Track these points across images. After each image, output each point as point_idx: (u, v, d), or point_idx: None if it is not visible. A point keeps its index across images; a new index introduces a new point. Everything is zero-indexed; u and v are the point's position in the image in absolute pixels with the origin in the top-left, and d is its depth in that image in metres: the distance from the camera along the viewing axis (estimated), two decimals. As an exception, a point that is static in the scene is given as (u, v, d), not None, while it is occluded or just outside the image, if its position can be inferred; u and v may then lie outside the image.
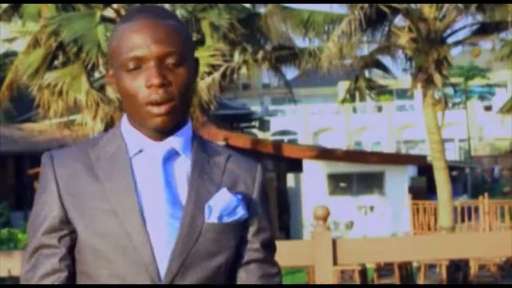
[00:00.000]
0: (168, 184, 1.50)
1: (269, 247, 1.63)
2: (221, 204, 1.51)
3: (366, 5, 12.71)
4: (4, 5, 13.33)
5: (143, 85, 1.49)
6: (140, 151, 1.53)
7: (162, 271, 1.47)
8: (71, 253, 1.52)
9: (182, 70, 1.51)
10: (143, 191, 1.50)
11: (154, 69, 1.48)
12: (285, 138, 39.92)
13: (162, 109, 1.49)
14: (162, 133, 1.53)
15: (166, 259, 1.47)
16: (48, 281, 1.50)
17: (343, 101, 16.42)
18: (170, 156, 1.53)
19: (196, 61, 1.59)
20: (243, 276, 1.57)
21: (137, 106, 1.50)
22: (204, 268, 1.50)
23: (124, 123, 1.57)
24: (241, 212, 1.53)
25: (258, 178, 1.60)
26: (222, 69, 13.31)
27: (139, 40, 1.49)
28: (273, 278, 1.63)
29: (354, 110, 40.64)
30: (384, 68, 15.66)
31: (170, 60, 1.50)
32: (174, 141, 1.54)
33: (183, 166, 1.54)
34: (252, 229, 1.58)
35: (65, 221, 1.51)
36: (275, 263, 1.67)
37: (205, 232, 1.50)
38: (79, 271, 1.52)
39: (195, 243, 1.49)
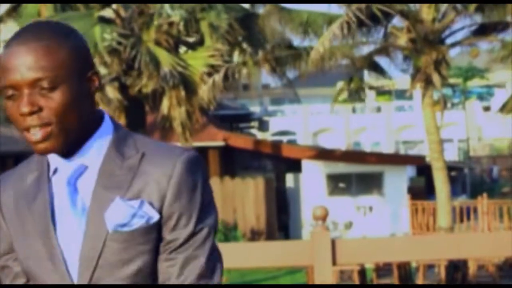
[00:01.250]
0: (73, 203, 1.50)
1: (185, 244, 1.51)
2: (117, 213, 1.47)
3: (362, 6, 12.72)
4: (5, 7, 13.34)
5: (18, 113, 1.47)
6: (55, 170, 1.53)
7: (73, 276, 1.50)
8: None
9: (56, 93, 1.46)
10: (58, 212, 1.52)
11: (24, 97, 1.46)
12: (284, 138, 39.92)
13: (38, 135, 1.46)
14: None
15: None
16: None
17: (335, 102, 16.43)
18: (81, 172, 1.51)
19: (94, 74, 1.52)
20: (161, 268, 1.51)
21: (21, 131, 1.49)
22: (118, 278, 1.49)
23: None
24: (145, 217, 1.47)
25: (176, 174, 1.49)
26: (222, 71, 13.33)
27: (11, 66, 1.47)
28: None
29: (353, 110, 40.65)
30: (382, 69, 15.67)
31: (43, 83, 1.46)
32: (83, 156, 1.51)
33: (92, 179, 1.52)
34: (169, 228, 1.50)
35: (12, 244, 1.57)
36: (196, 256, 1.52)
37: (109, 243, 1.47)
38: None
39: (99, 255, 1.48)
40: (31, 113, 1.44)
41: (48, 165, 1.54)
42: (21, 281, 1.58)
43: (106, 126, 1.54)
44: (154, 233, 1.49)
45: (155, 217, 1.48)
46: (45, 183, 1.53)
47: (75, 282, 1.50)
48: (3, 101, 1.50)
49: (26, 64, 1.46)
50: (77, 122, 1.49)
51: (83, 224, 1.49)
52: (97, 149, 1.51)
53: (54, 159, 1.52)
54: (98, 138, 1.52)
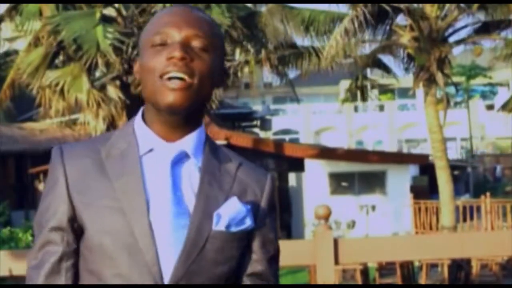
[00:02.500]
0: (175, 187, 1.47)
1: (273, 261, 1.61)
2: (230, 213, 1.48)
3: (368, 4, 12.70)
4: (6, 5, 13.33)
5: (164, 59, 1.46)
6: (151, 150, 1.50)
7: (166, 274, 1.44)
8: (76, 251, 1.50)
9: (207, 56, 1.49)
10: (151, 192, 1.47)
11: (178, 45, 1.46)
12: (287, 137, 39.93)
13: (178, 83, 1.45)
14: (174, 128, 1.50)
15: (170, 263, 1.45)
16: (52, 281, 1.49)
17: (344, 101, 16.40)
18: (180, 159, 1.50)
19: (224, 71, 1.58)
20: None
21: (152, 80, 1.46)
22: (208, 276, 1.47)
23: (138, 119, 1.54)
24: (248, 222, 1.50)
25: (267, 189, 1.57)
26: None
27: (169, 19, 1.50)
28: None
29: (356, 109, 40.64)
30: (386, 67, 15.64)
31: (196, 44, 1.48)
32: (186, 144, 1.51)
33: (192, 170, 1.50)
34: (258, 241, 1.55)
35: (73, 218, 1.48)
36: (276, 276, 1.68)
37: (211, 239, 1.46)
38: (83, 269, 1.49)
39: (201, 249, 1.46)
40: (182, 59, 1.45)
41: (137, 144, 1.51)
42: (67, 264, 1.49)
43: (202, 127, 1.56)
44: (245, 240, 1.52)
45: (252, 224, 1.51)
46: (135, 162, 1.48)
47: (164, 267, 1.44)
48: (146, 51, 1.49)
49: (187, 21, 1.49)
50: (207, 94, 1.52)
51: (178, 212, 1.46)
52: (197, 143, 1.52)
53: (151, 140, 1.50)
54: (199, 134, 1.53)
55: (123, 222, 1.44)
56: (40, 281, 1.49)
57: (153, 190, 1.47)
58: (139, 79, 1.53)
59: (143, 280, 1.43)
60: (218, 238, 1.47)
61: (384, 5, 12.87)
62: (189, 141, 1.51)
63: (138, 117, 1.54)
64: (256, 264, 1.56)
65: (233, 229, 1.48)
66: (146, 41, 1.51)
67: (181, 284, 1.44)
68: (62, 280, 1.49)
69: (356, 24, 12.59)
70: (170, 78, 1.45)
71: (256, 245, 1.55)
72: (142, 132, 1.52)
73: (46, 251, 1.49)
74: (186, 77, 1.45)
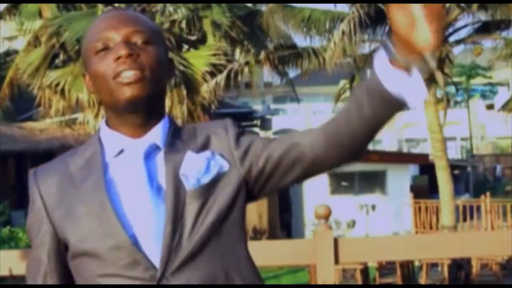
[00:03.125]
0: (151, 177, 1.50)
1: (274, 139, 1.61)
2: (193, 168, 1.51)
3: (364, 4, 12.69)
4: (5, 4, 13.32)
5: (112, 61, 1.50)
6: (121, 151, 1.54)
7: (156, 255, 1.46)
8: (62, 265, 1.56)
9: (152, 47, 1.53)
10: (125, 189, 1.50)
11: (121, 44, 1.50)
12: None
13: (131, 77, 1.48)
14: (139, 126, 1.53)
15: (157, 242, 1.47)
16: None
17: (337, 100, 16.40)
18: (152, 151, 1.53)
19: (170, 61, 1.61)
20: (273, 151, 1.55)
21: (107, 84, 1.51)
22: (197, 232, 1.48)
23: (103, 126, 1.59)
24: (216, 167, 1.52)
25: (229, 125, 1.59)
26: (225, 72, 13.30)
27: (106, 24, 1.54)
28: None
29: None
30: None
31: (138, 39, 1.52)
32: (153, 136, 1.55)
33: (169, 160, 1.54)
34: (257, 148, 1.55)
35: (55, 234, 1.54)
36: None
37: (190, 200, 1.49)
38: (79, 277, 1.54)
39: (182, 215, 1.48)
40: (129, 55, 1.49)
41: (102, 150, 1.55)
42: (51, 281, 1.56)
43: (167, 117, 1.59)
44: (230, 181, 1.53)
45: (225, 166, 1.53)
46: (98, 165, 1.52)
47: (151, 250, 1.46)
48: (91, 60, 1.53)
49: (124, 21, 1.54)
50: (162, 85, 1.55)
51: (157, 199, 1.48)
52: (164, 132, 1.56)
53: (120, 141, 1.54)
54: (164, 124, 1.57)
55: (97, 223, 1.48)
56: None
57: (129, 188, 1.50)
58: (92, 91, 1.57)
59: (137, 273, 1.46)
60: (197, 196, 1.49)
61: (382, 5, 12.86)
62: (156, 133, 1.55)
63: (103, 126, 1.59)
64: (269, 149, 1.55)
65: (205, 180, 1.50)
66: (88, 51, 1.55)
67: (173, 254, 1.46)
68: None
69: (353, 26, 12.59)
70: (122, 75, 1.49)
71: (260, 149, 1.55)
72: (109, 137, 1.56)
73: (35, 268, 1.57)
74: (138, 72, 1.49)
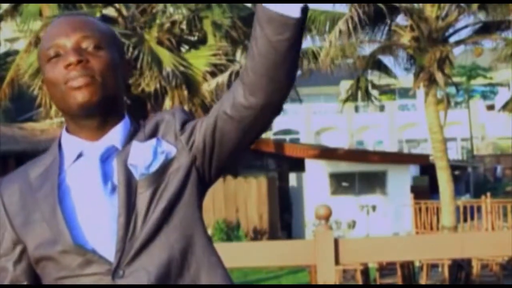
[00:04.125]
0: (106, 178, 1.52)
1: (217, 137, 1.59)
2: (140, 157, 1.53)
3: (366, 4, 12.68)
4: (6, 5, 13.33)
5: (63, 68, 1.52)
6: (80, 155, 1.56)
7: (112, 250, 1.48)
8: (27, 272, 1.57)
9: (102, 52, 1.55)
10: (80, 194, 1.52)
11: (71, 51, 1.53)
12: (287, 137, 39.91)
13: (81, 81, 1.50)
14: (96, 130, 1.55)
15: (113, 238, 1.49)
16: None
17: (344, 101, 16.39)
18: (111, 154, 1.55)
19: (128, 63, 1.65)
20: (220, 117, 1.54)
21: (59, 90, 1.53)
22: (150, 219, 1.50)
23: (63, 132, 1.61)
24: (163, 153, 1.53)
25: (177, 111, 1.61)
26: (227, 73, 13.30)
27: (57, 31, 1.56)
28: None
29: (356, 109, 40.62)
30: (386, 68, 15.64)
31: (87, 44, 1.54)
32: (112, 138, 1.56)
33: (122, 158, 1.55)
34: (198, 126, 1.56)
35: (17, 242, 1.56)
36: None
37: (142, 190, 1.50)
38: (45, 281, 1.56)
39: (134, 204, 1.50)
40: (79, 62, 1.51)
41: (61, 157, 1.57)
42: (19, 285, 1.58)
43: (127, 118, 1.60)
44: (181, 165, 1.53)
45: (173, 151, 1.54)
46: (55, 172, 1.55)
47: (106, 248, 1.48)
48: (45, 67, 1.56)
49: (74, 27, 1.56)
50: (115, 88, 1.56)
51: (114, 196, 1.50)
52: (124, 133, 1.57)
53: (80, 144, 1.56)
54: (124, 126, 1.58)
55: (49, 229, 1.51)
56: None
57: (85, 189, 1.52)
58: (50, 97, 1.60)
59: (92, 270, 1.48)
60: (148, 184, 1.51)
61: (382, 5, 12.86)
62: (115, 135, 1.56)
63: (63, 132, 1.61)
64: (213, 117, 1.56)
65: (154, 167, 1.52)
66: (42, 58, 1.58)
67: (128, 242, 1.47)
68: None
69: (351, 25, 12.57)
70: (72, 80, 1.51)
71: (198, 129, 1.56)
72: (69, 142, 1.58)
73: (2, 277, 1.59)
74: (87, 77, 1.51)
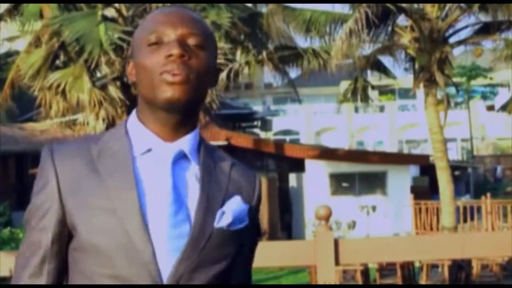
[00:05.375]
0: (175, 186, 1.47)
1: (254, 251, 1.67)
2: (234, 211, 1.50)
3: (371, 4, 12.67)
4: (6, 5, 13.32)
5: (162, 57, 1.47)
6: (149, 150, 1.50)
7: (164, 272, 1.43)
8: (61, 252, 1.49)
9: (204, 53, 1.50)
10: (148, 191, 1.46)
11: (175, 42, 1.47)
12: (287, 137, 39.92)
13: (177, 78, 1.45)
14: (172, 129, 1.50)
15: (168, 261, 1.43)
16: (34, 281, 1.49)
17: (341, 101, 16.39)
18: (179, 159, 1.50)
19: (217, 71, 1.60)
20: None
21: (151, 78, 1.47)
22: (208, 274, 1.47)
23: (132, 119, 1.54)
24: (247, 220, 1.53)
25: (257, 188, 1.60)
26: (226, 71, 13.30)
27: (164, 19, 1.51)
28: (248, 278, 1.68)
29: (356, 109, 40.63)
30: (385, 70, 15.64)
31: (193, 41, 1.49)
32: (183, 144, 1.51)
33: (191, 170, 1.51)
34: (248, 236, 1.56)
35: (63, 220, 1.47)
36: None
37: (213, 237, 1.46)
38: (76, 270, 1.48)
39: (203, 247, 1.45)
40: (181, 56, 1.46)
41: (130, 144, 1.50)
42: (49, 266, 1.48)
43: (197, 129, 1.56)
44: (241, 237, 1.53)
45: (248, 222, 1.54)
46: (128, 161, 1.48)
47: (162, 266, 1.43)
48: (142, 51, 1.50)
49: (182, 19, 1.51)
50: (204, 93, 1.53)
51: (177, 210, 1.45)
52: (194, 143, 1.53)
53: (149, 139, 1.50)
54: (195, 135, 1.54)
55: (116, 221, 1.43)
56: (23, 281, 1.50)
57: (151, 190, 1.46)
58: (133, 80, 1.53)
59: (141, 280, 1.42)
60: (219, 236, 1.47)
61: (387, 4, 12.84)
62: (187, 142, 1.51)
63: (132, 118, 1.54)
64: (243, 256, 1.59)
65: (234, 227, 1.49)
66: (141, 41, 1.51)
67: (181, 284, 1.43)
68: (43, 281, 1.49)
69: (359, 25, 12.55)
70: (169, 73, 1.46)
71: (246, 240, 1.57)
72: (138, 132, 1.51)
73: (32, 252, 1.49)
74: (185, 74, 1.46)
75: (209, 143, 1.60)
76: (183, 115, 1.49)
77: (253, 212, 1.56)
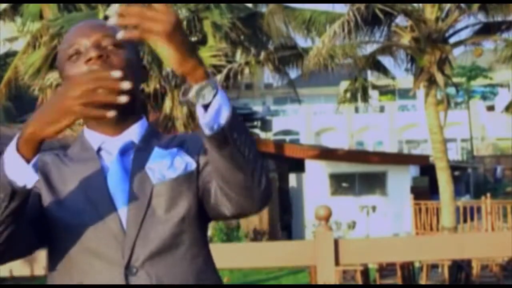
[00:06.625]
0: (125, 171, 1.56)
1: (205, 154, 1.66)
2: (159, 161, 1.56)
3: (362, 5, 12.67)
4: (5, 5, 13.32)
5: (83, 65, 1.56)
6: (100, 149, 1.60)
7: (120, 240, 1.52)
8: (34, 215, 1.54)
9: (122, 51, 1.59)
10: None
11: (91, 47, 1.57)
12: (287, 138, 39.91)
13: None
14: (114, 126, 1.59)
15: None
16: None
17: (340, 102, 16.40)
18: (128, 149, 1.60)
19: (144, 68, 1.69)
20: (213, 182, 1.56)
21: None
22: (164, 225, 1.53)
23: (85, 129, 1.66)
24: (182, 163, 1.57)
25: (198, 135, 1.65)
26: (225, 71, 13.30)
27: (77, 32, 1.61)
28: None
29: (356, 110, 40.64)
30: (385, 70, 15.64)
31: (107, 42, 1.58)
32: (131, 134, 1.61)
33: (140, 156, 1.60)
34: (206, 173, 1.59)
35: (39, 195, 1.56)
36: None
37: (156, 193, 1.54)
38: (52, 248, 1.57)
39: (148, 206, 1.53)
40: (99, 57, 1.55)
41: (89, 143, 1.63)
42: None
43: (145, 119, 1.67)
44: (194, 182, 1.57)
45: (193, 164, 1.58)
46: (93, 151, 1.60)
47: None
48: (65, 65, 1.59)
49: (92, 27, 1.61)
50: (133, 85, 1.54)
51: (127, 189, 1.54)
52: (141, 132, 1.63)
53: (100, 138, 1.60)
54: (141, 125, 1.64)
55: (83, 199, 1.54)
56: None
57: (105, 180, 1.57)
58: None
59: (112, 251, 1.51)
60: (163, 190, 1.54)
61: (381, 5, 12.85)
62: (133, 132, 1.62)
63: (84, 127, 1.67)
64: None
65: (170, 175, 1.55)
66: (62, 57, 1.62)
67: (138, 243, 1.50)
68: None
69: (346, 29, 12.57)
70: None
71: (205, 178, 1.59)
72: (90, 136, 1.63)
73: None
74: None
75: (158, 131, 1.70)
76: (120, 111, 1.54)
77: (202, 158, 1.59)
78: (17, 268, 3.72)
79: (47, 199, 1.56)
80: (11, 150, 1.41)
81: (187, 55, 1.39)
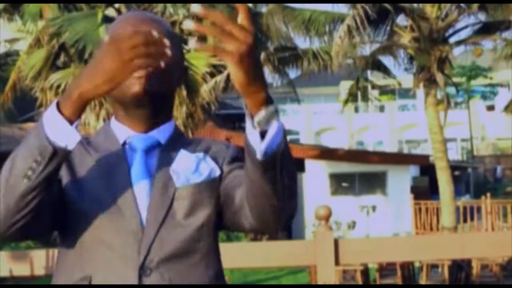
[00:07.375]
0: (148, 170, 1.55)
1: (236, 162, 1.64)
2: (184, 165, 1.55)
3: (369, 4, 12.67)
4: (5, 4, 13.31)
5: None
6: (125, 142, 1.59)
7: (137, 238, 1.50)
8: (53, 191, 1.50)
9: (172, 46, 1.56)
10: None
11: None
12: (287, 138, 39.85)
13: (142, 72, 1.49)
14: (144, 122, 1.57)
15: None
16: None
17: (345, 102, 16.39)
18: (153, 148, 1.58)
19: (184, 68, 1.67)
20: (238, 192, 1.54)
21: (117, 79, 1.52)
22: (183, 230, 1.51)
23: (112, 120, 1.64)
24: (207, 170, 1.56)
25: (232, 146, 1.65)
26: (225, 71, 13.30)
27: (126, 22, 1.58)
28: None
29: (356, 109, 40.63)
30: (385, 69, 15.64)
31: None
32: (158, 134, 1.59)
33: (166, 157, 1.58)
34: (230, 181, 1.58)
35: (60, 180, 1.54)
36: None
37: (178, 196, 1.52)
38: (65, 235, 1.55)
39: (169, 208, 1.52)
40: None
41: (114, 135, 1.61)
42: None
43: (173, 120, 1.65)
44: (216, 190, 1.56)
45: (218, 171, 1.57)
46: (118, 143, 1.58)
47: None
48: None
49: (141, 20, 1.58)
50: (171, 86, 1.59)
51: (150, 189, 1.53)
52: (168, 133, 1.61)
53: (127, 132, 1.58)
54: (171, 125, 1.62)
55: (105, 189, 1.52)
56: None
57: (128, 176, 1.55)
58: None
59: (128, 247, 1.48)
60: (184, 193, 1.53)
61: (385, 4, 12.85)
62: (161, 132, 1.60)
63: (112, 119, 1.64)
64: (235, 178, 1.59)
65: (194, 180, 1.54)
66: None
67: (155, 245, 1.48)
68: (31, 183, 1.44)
69: (357, 23, 12.55)
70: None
71: (229, 170, 1.59)
72: (117, 128, 1.61)
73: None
74: (150, 69, 1.49)
75: (184, 135, 1.68)
76: (151, 108, 1.57)
77: (230, 157, 1.60)
78: (17, 268, 3.72)
79: (67, 183, 1.54)
80: (52, 112, 1.40)
81: (253, 79, 1.35)
